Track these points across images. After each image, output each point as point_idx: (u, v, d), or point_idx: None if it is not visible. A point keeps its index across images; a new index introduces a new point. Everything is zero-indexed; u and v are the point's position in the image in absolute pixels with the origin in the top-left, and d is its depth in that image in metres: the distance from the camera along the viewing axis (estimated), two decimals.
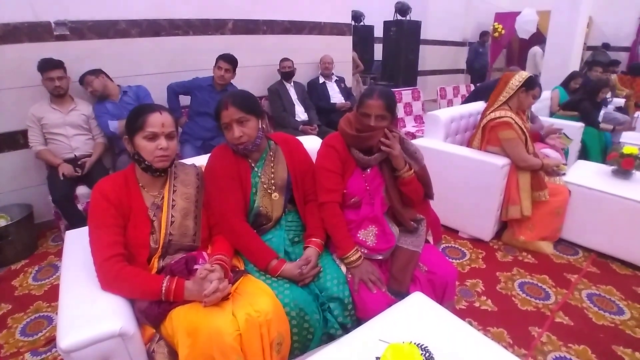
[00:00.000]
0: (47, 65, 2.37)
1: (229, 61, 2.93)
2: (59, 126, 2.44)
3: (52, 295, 2.07)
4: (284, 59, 3.61)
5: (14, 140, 2.54)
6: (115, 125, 2.54)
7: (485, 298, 1.99)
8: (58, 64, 2.41)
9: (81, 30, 2.66)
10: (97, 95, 2.61)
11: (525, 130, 2.33)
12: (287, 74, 3.61)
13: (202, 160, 1.51)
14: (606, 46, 7.05)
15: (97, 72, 2.56)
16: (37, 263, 2.39)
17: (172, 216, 1.25)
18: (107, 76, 2.63)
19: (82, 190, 2.46)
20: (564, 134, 2.87)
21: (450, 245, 2.50)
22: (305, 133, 3.35)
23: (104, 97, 2.62)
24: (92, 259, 1.13)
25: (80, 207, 2.42)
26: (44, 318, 1.90)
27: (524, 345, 1.68)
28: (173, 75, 3.08)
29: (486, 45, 7.06)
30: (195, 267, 1.18)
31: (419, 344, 0.82)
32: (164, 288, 1.09)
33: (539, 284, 2.10)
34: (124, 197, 1.21)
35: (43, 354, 1.67)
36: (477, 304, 1.95)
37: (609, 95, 3.87)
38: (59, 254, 2.48)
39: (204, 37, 3.26)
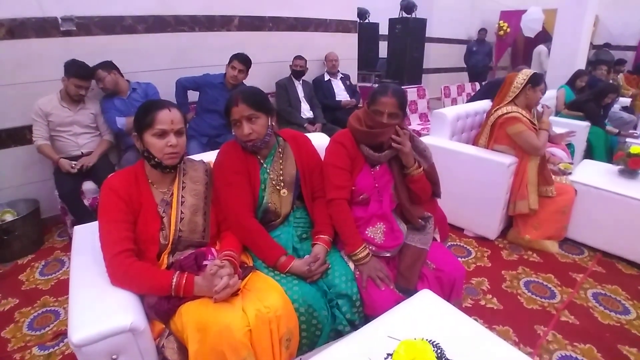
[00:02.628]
0: (80, 74, 2.37)
1: (243, 62, 2.91)
2: (67, 124, 2.44)
3: (59, 290, 2.08)
4: (298, 57, 3.61)
5: (21, 135, 2.55)
6: (123, 122, 2.54)
7: (490, 296, 1.99)
8: (91, 75, 2.43)
9: (88, 25, 2.66)
10: (107, 92, 2.61)
11: (534, 125, 2.32)
12: (298, 72, 3.61)
13: (210, 157, 1.51)
14: (607, 46, 6.99)
15: (109, 68, 2.55)
16: (43, 258, 2.40)
17: (182, 212, 1.25)
18: (119, 72, 2.62)
19: (88, 185, 2.46)
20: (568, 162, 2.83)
21: (455, 243, 2.50)
22: (307, 131, 3.35)
23: (113, 93, 2.62)
24: (101, 254, 1.14)
25: (86, 202, 2.42)
26: (51, 312, 1.91)
27: (530, 344, 1.68)
28: (179, 71, 3.08)
29: (485, 43, 6.91)
30: (205, 262, 1.19)
31: (430, 340, 0.82)
32: (173, 283, 1.09)
33: (545, 283, 2.10)
34: (134, 193, 1.21)
35: (50, 348, 1.68)
36: (482, 302, 1.95)
37: (616, 99, 3.85)
38: (65, 249, 2.49)
39: (210, 33, 3.25)
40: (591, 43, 5.84)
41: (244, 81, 3.04)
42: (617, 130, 3.63)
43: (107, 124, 2.60)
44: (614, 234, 2.29)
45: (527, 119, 2.30)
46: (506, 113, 2.31)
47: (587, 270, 2.23)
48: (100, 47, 2.70)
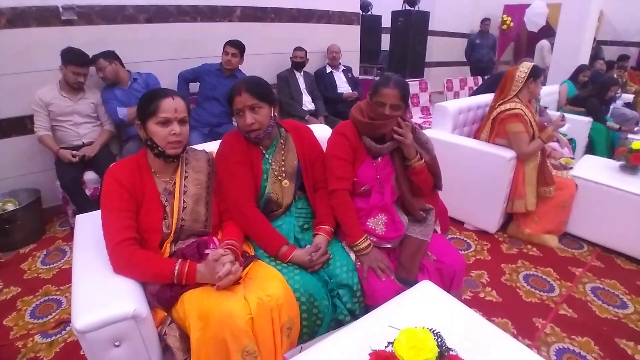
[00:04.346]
0: (77, 61, 2.35)
1: (235, 46, 2.94)
2: (67, 114, 2.43)
3: (60, 279, 2.09)
4: (298, 48, 3.60)
5: (22, 125, 2.54)
6: (124, 112, 2.53)
7: (490, 289, 2.01)
8: (88, 62, 2.42)
9: (89, 15, 2.64)
10: (107, 82, 2.60)
11: (534, 122, 2.32)
12: (298, 64, 3.60)
13: (212, 147, 1.51)
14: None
15: (110, 58, 2.54)
16: (45, 247, 2.41)
17: (184, 202, 1.25)
18: (120, 62, 2.61)
19: (89, 175, 2.46)
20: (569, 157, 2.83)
21: (455, 236, 2.51)
22: (309, 123, 3.35)
23: (113, 83, 2.61)
24: (104, 243, 1.14)
25: (87, 192, 2.43)
26: (53, 301, 1.92)
27: (528, 336, 1.69)
28: (181, 62, 3.07)
29: (489, 35, 6.49)
30: (207, 251, 1.20)
31: (431, 329, 0.83)
32: (176, 271, 1.10)
33: (544, 277, 2.12)
34: (137, 182, 1.21)
35: (53, 335, 1.69)
36: (482, 295, 1.96)
37: (618, 92, 3.84)
38: (66, 238, 2.50)
39: (212, 23, 3.24)
40: (595, 38, 5.79)
41: (241, 69, 3.06)
42: (617, 126, 3.62)
43: (108, 114, 2.59)
44: (613, 229, 2.29)
45: (529, 117, 2.30)
46: (509, 109, 2.30)
47: (586, 264, 2.24)
48: (101, 37, 2.69)
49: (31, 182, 2.64)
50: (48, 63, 2.46)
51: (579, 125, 3.34)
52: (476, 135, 2.60)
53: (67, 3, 2.53)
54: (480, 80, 5.36)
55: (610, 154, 3.32)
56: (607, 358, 1.59)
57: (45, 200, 2.64)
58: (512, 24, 7.39)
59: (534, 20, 6.68)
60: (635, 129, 3.73)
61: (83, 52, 2.40)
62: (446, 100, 3.68)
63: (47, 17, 2.49)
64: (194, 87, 3.10)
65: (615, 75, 4.72)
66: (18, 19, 2.40)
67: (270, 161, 1.42)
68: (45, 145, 2.41)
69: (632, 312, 1.86)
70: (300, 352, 1.06)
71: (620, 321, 1.80)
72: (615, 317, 1.83)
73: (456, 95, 4.95)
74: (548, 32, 6.51)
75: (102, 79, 2.58)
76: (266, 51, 3.62)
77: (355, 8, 4.39)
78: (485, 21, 6.38)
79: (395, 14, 5.80)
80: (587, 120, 3.40)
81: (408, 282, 1.30)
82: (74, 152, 2.38)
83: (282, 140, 1.46)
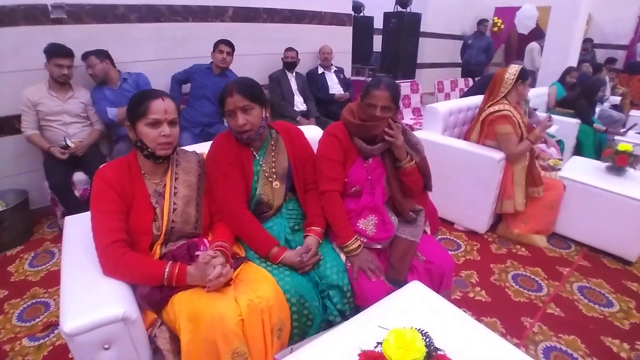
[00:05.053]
0: (58, 52, 2.33)
1: (229, 44, 3.00)
2: (56, 114, 2.40)
3: (48, 281, 2.07)
4: (289, 49, 3.60)
5: (10, 125, 2.50)
6: (114, 113, 2.51)
7: (479, 289, 2.03)
8: (69, 53, 2.38)
9: (78, 13, 2.61)
10: (96, 81, 2.58)
11: (522, 124, 2.36)
12: (289, 64, 3.60)
13: (202, 148, 1.51)
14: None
15: (102, 56, 2.52)
16: (32, 249, 2.38)
17: (174, 204, 1.25)
18: (111, 62, 2.59)
19: (78, 176, 2.43)
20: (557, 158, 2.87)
21: (445, 237, 2.53)
22: (300, 124, 3.35)
23: (103, 83, 2.58)
24: (93, 245, 1.13)
25: (76, 193, 2.40)
26: (41, 304, 1.90)
27: (517, 335, 1.72)
28: (172, 62, 3.06)
29: (484, 37, 6.33)
30: (197, 253, 1.19)
31: (419, 329, 0.84)
32: (166, 273, 1.10)
33: (532, 276, 2.15)
34: (127, 183, 1.20)
35: (41, 339, 1.67)
36: (471, 295, 1.98)
37: (606, 93, 3.92)
38: (55, 240, 2.47)
39: (204, 24, 3.22)
40: (592, 40, 5.87)
41: (232, 68, 3.09)
42: (604, 128, 3.69)
43: (98, 115, 2.56)
44: (600, 229, 2.33)
45: (517, 119, 2.33)
46: (498, 111, 2.33)
47: (574, 264, 2.27)
48: (91, 36, 2.65)
49: (19, 183, 2.60)
50: (37, 62, 2.42)
51: (567, 126, 3.39)
52: (466, 137, 2.63)
53: (57, 1, 2.50)
54: (471, 82, 5.41)
55: (598, 155, 3.38)
56: (593, 356, 1.62)
57: (33, 201, 2.60)
58: (502, 26, 7.48)
59: (524, 22, 6.77)
60: (622, 130, 3.80)
61: (64, 45, 2.37)
62: (437, 101, 3.71)
63: (35, 16, 2.46)
64: (186, 88, 3.09)
65: (607, 78, 4.80)
66: (6, 17, 2.36)
67: (260, 162, 1.42)
68: (34, 144, 2.38)
69: (618, 310, 1.90)
70: (290, 352, 1.06)
71: (606, 319, 1.84)
72: (601, 315, 1.86)
73: (447, 97, 4.99)
74: (538, 34, 6.60)
75: (91, 75, 2.55)
76: (258, 52, 3.62)
77: (348, 9, 4.40)
78: (483, 22, 6.26)
79: (387, 16, 5.82)
80: (575, 121, 3.45)
81: (398, 283, 1.31)
82: (62, 150, 2.35)
83: (272, 142, 1.46)
